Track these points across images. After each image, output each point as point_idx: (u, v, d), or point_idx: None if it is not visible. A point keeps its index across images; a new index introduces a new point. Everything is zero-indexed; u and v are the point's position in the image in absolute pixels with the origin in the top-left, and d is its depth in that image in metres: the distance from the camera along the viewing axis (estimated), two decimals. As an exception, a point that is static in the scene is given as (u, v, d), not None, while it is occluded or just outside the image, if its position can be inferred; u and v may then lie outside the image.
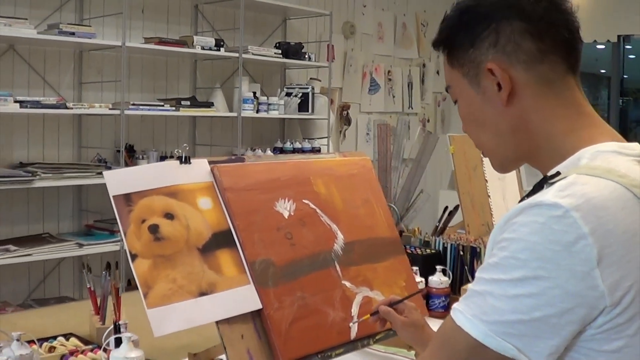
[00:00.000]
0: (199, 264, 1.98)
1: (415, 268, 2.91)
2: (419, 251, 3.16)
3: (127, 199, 1.99)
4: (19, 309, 4.86)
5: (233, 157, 2.23)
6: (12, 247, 5.00)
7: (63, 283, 5.71)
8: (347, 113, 8.14)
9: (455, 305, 1.41)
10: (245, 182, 2.16)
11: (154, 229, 1.97)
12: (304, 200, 2.26)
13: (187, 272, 1.96)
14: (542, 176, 1.46)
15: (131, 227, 1.96)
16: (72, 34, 5.19)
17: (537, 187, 1.40)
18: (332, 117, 7.44)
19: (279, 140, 7.17)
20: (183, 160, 2.10)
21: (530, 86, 1.48)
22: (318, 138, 7.27)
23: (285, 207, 2.20)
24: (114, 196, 1.99)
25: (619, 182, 1.34)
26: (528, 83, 1.48)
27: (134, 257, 1.93)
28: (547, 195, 1.32)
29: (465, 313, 1.36)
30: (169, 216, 2.01)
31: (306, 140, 7.23)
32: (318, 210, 2.28)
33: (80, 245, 5.32)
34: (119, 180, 2.02)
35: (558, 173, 1.40)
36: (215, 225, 2.06)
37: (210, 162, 2.15)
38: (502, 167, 1.63)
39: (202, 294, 1.95)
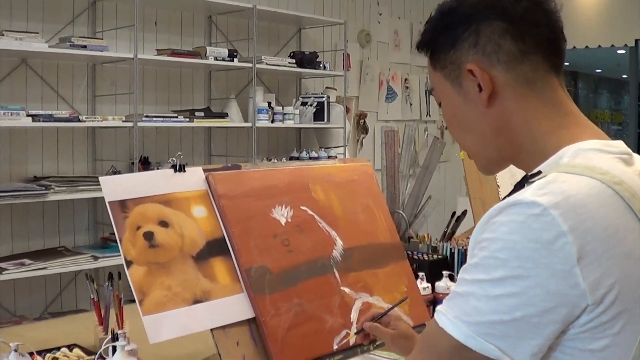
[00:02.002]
0: (193, 272, 1.98)
1: (421, 274, 2.90)
2: (425, 257, 3.15)
3: (123, 205, 2.00)
4: (35, 322, 4.86)
5: (229, 165, 2.22)
6: (27, 261, 5.01)
7: (80, 296, 5.71)
8: (364, 121, 8.12)
9: (438, 308, 1.40)
10: (241, 189, 2.15)
11: (148, 236, 1.98)
12: (301, 207, 2.26)
13: (181, 280, 1.96)
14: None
15: (126, 233, 1.97)
16: (84, 47, 5.21)
17: (518, 187, 1.39)
18: (348, 126, 7.43)
19: (295, 149, 7.16)
20: (178, 168, 2.10)
21: (511, 87, 1.47)
22: (335, 147, 7.26)
23: (282, 214, 2.20)
24: (109, 202, 2.00)
25: (599, 179, 1.33)
26: (509, 83, 1.46)
27: (129, 263, 1.93)
28: (525, 193, 1.30)
29: (447, 315, 1.35)
30: (164, 224, 2.01)
31: (322, 149, 7.21)
32: (316, 217, 2.27)
33: (96, 258, 5.32)
34: (114, 187, 2.04)
35: (539, 172, 1.39)
36: (209, 233, 2.06)
37: (205, 170, 2.14)
38: (486, 168, 1.61)
39: (197, 301, 1.95)
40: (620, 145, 1.45)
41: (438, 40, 1.55)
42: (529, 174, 1.42)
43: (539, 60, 1.47)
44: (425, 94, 8.92)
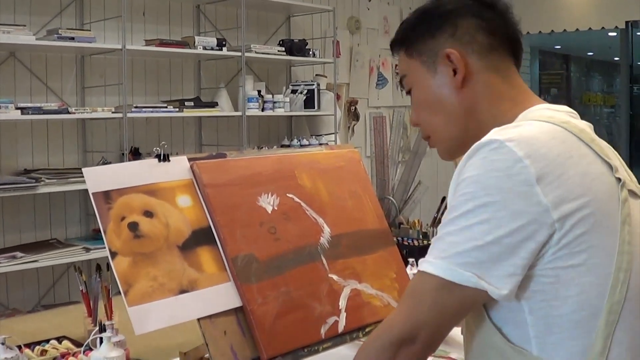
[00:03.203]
0: (179, 262, 1.96)
1: (411, 259, 2.90)
2: (415, 243, 3.15)
3: (107, 196, 1.98)
4: (26, 315, 4.86)
5: (214, 154, 2.20)
6: (19, 254, 5.00)
7: (72, 288, 5.69)
8: (355, 108, 8.10)
9: (421, 260, 1.54)
10: (226, 177, 2.13)
11: (133, 226, 1.96)
12: (288, 195, 2.24)
13: (167, 270, 1.94)
14: None
15: (111, 224, 1.95)
16: (72, 38, 5.19)
17: None
18: (339, 113, 7.42)
19: (286, 137, 7.15)
20: (162, 158, 2.08)
21: (481, 72, 1.71)
22: (326, 134, 7.24)
23: (268, 202, 2.18)
24: (93, 193, 1.98)
25: (547, 121, 1.55)
26: (480, 69, 1.71)
27: (113, 254, 1.92)
28: (485, 137, 1.49)
29: (428, 259, 1.50)
30: (149, 214, 1.99)
31: (314, 136, 7.19)
32: (303, 204, 2.26)
33: (88, 250, 5.32)
34: (98, 178, 2.02)
35: None
36: (195, 222, 2.04)
37: (190, 159, 2.13)
38: (449, 152, 1.82)
39: (183, 291, 1.93)
40: (565, 107, 1.69)
41: (417, 33, 1.78)
42: None
43: (504, 53, 1.75)
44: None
